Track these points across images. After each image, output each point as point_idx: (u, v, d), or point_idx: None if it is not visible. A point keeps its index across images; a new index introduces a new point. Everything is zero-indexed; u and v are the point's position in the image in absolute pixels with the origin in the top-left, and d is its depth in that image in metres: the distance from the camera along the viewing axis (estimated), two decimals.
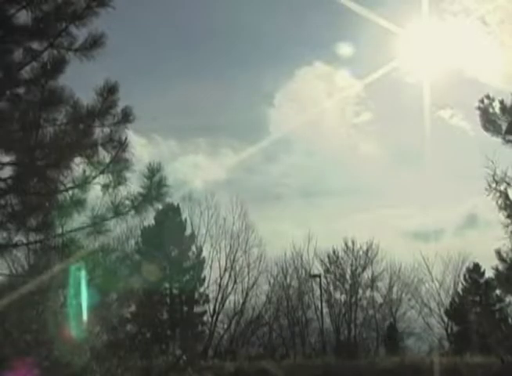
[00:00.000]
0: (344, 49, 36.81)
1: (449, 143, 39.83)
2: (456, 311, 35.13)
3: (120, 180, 8.68)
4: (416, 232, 43.66)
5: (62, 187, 8.62)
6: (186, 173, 39.99)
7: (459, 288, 36.21)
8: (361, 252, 36.03)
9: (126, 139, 8.64)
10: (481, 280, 35.29)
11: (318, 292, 34.64)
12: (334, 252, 36.23)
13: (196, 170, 43.47)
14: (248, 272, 34.94)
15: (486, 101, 15.42)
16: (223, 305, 34.39)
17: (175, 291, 33.96)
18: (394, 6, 33.88)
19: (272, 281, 35.62)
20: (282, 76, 53.96)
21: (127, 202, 8.69)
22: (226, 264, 34.75)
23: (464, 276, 36.11)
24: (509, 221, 14.76)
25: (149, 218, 29.29)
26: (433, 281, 36.15)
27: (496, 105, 15.23)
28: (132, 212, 8.72)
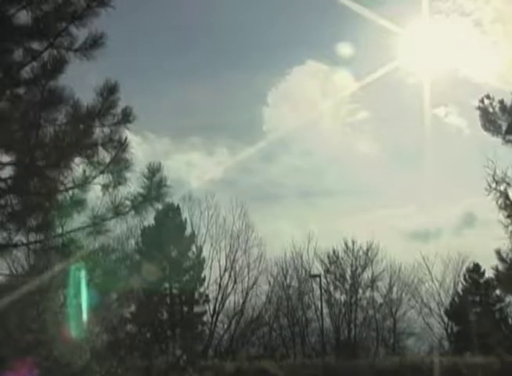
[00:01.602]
0: (343, 49, 36.85)
1: (446, 142, 39.99)
2: (456, 311, 35.13)
3: (120, 180, 8.68)
4: (415, 232, 43.74)
5: (62, 187, 8.62)
6: (182, 173, 40.03)
7: (459, 288, 36.23)
8: (361, 252, 36.08)
9: (126, 139, 8.65)
10: (481, 280, 35.29)
11: (318, 292, 34.65)
12: (334, 252, 36.28)
13: (192, 170, 43.59)
14: (248, 272, 35.02)
15: (486, 101, 15.43)
16: (223, 305, 34.44)
17: (175, 291, 33.94)
18: (392, 6, 33.95)
19: (272, 281, 35.70)
20: (279, 76, 54.20)
21: (127, 202, 8.69)
22: (226, 264, 34.83)
23: (464, 276, 36.13)
24: (509, 221, 14.77)
25: (149, 218, 29.27)
26: (433, 281, 36.25)
27: (496, 105, 15.24)
28: (132, 212, 8.72)
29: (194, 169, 44.32)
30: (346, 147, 44.97)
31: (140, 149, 34.41)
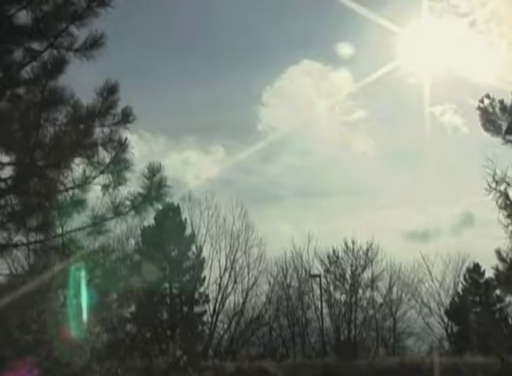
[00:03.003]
0: (343, 49, 36.91)
1: (445, 141, 40.07)
2: (456, 311, 35.13)
3: (120, 180, 8.68)
4: (415, 232, 43.68)
5: (62, 187, 8.63)
6: (178, 172, 40.00)
7: (459, 288, 36.23)
8: (361, 252, 36.07)
9: (126, 139, 8.66)
10: (481, 280, 35.30)
11: (318, 292, 34.69)
12: (334, 252, 36.27)
13: (188, 169, 43.61)
14: (248, 272, 35.00)
15: (486, 101, 15.41)
16: (223, 305, 34.43)
17: (175, 291, 33.94)
18: (392, 6, 34.04)
19: (272, 281, 35.68)
20: (278, 76, 54.20)
21: (127, 202, 8.69)
22: (226, 264, 34.81)
23: (464, 276, 36.14)
24: (509, 221, 14.76)
25: (149, 218, 29.27)
26: (433, 281, 36.25)
27: (496, 105, 15.23)
28: (132, 212, 8.72)
29: (191, 168, 44.44)
30: (345, 147, 45.02)
31: (137, 148, 34.31)
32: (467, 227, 43.76)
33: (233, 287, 34.63)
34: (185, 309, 34.43)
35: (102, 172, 8.60)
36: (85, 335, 10.01)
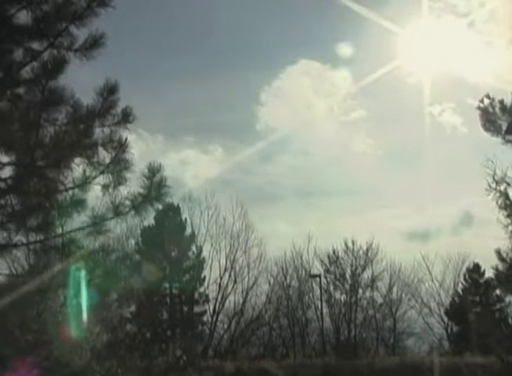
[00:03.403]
0: (342, 49, 37.00)
1: (445, 141, 40.13)
2: (456, 311, 35.14)
3: (120, 180, 8.69)
4: (414, 232, 43.67)
5: (62, 187, 8.63)
6: (177, 171, 39.99)
7: (459, 288, 36.25)
8: (361, 252, 36.07)
9: (126, 139, 8.67)
10: (481, 280, 35.31)
11: (318, 292, 34.67)
12: (334, 252, 36.27)
13: (187, 169, 43.62)
14: (248, 272, 34.97)
15: (486, 101, 15.39)
16: (223, 305, 34.41)
17: (175, 291, 33.96)
18: (392, 6, 34.06)
19: (272, 281, 35.66)
20: (277, 76, 54.20)
21: (127, 202, 8.70)
22: (226, 264, 34.78)
23: (464, 276, 36.15)
24: (509, 221, 14.73)
25: (149, 218, 29.28)
26: (433, 281, 36.24)
27: (496, 105, 15.21)
28: (132, 212, 8.73)
29: (189, 168, 44.49)
30: (344, 147, 45.04)
31: (135, 147, 34.20)
32: (467, 227, 43.80)
33: (233, 287, 34.65)
34: (185, 309, 34.43)
35: (102, 172, 8.60)
36: (85, 335, 10.03)
